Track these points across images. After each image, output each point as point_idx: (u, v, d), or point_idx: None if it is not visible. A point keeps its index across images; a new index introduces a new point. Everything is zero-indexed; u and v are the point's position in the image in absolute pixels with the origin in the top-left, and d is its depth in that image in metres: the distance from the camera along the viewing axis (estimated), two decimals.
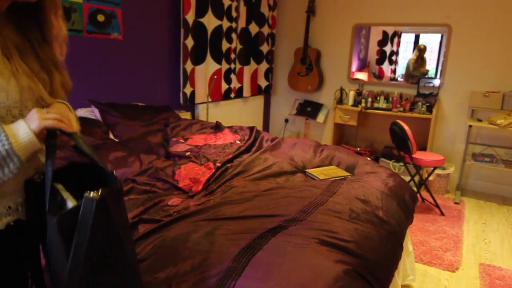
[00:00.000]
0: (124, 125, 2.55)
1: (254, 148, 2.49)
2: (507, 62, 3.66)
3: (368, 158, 2.79)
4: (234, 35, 4.03)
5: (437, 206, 3.33)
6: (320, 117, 4.63)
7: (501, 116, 3.45)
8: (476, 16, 3.72)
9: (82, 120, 2.40)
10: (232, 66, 4.11)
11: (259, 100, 4.79)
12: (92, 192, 0.74)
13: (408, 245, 2.12)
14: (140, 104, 3.00)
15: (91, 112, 2.62)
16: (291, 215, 1.51)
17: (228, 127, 2.88)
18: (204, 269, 1.16)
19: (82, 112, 2.60)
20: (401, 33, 4.28)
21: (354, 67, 4.45)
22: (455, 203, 3.56)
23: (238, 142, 2.58)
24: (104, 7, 2.73)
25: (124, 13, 2.90)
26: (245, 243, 1.28)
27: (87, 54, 2.69)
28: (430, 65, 4.23)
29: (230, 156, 2.27)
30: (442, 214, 3.27)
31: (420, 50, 4.19)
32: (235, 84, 4.21)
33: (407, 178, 3.51)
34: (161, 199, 1.70)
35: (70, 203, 0.79)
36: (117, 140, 2.47)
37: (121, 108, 2.68)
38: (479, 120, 3.66)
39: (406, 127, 3.28)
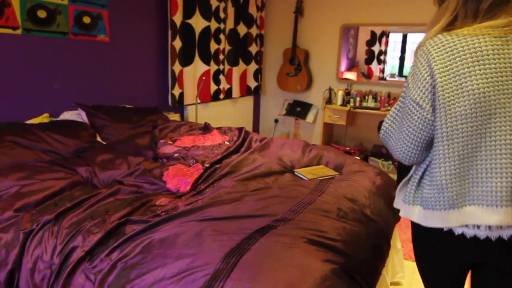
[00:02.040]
0: (111, 127, 2.54)
1: (242, 149, 2.48)
2: None
3: (357, 157, 2.81)
4: (222, 36, 4.03)
5: None
6: (310, 117, 4.65)
7: None
8: None
9: (69, 123, 2.39)
10: (221, 67, 4.10)
11: (249, 100, 4.79)
12: None
13: (397, 242, 2.14)
14: (127, 106, 2.98)
15: (78, 115, 2.60)
16: (279, 214, 1.52)
17: (217, 128, 2.88)
18: (192, 271, 1.16)
19: (69, 115, 2.58)
20: (389, 33, 4.32)
21: (343, 67, 4.48)
22: None
23: (226, 143, 2.57)
24: (89, 9, 2.71)
25: (111, 15, 2.88)
26: (234, 244, 1.28)
27: (73, 56, 2.66)
28: None
29: (219, 157, 2.27)
30: None
31: None
32: (224, 85, 4.20)
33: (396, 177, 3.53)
34: (149, 199, 1.69)
35: None
36: (104, 142, 2.45)
37: (108, 110, 2.66)
38: None
39: None
